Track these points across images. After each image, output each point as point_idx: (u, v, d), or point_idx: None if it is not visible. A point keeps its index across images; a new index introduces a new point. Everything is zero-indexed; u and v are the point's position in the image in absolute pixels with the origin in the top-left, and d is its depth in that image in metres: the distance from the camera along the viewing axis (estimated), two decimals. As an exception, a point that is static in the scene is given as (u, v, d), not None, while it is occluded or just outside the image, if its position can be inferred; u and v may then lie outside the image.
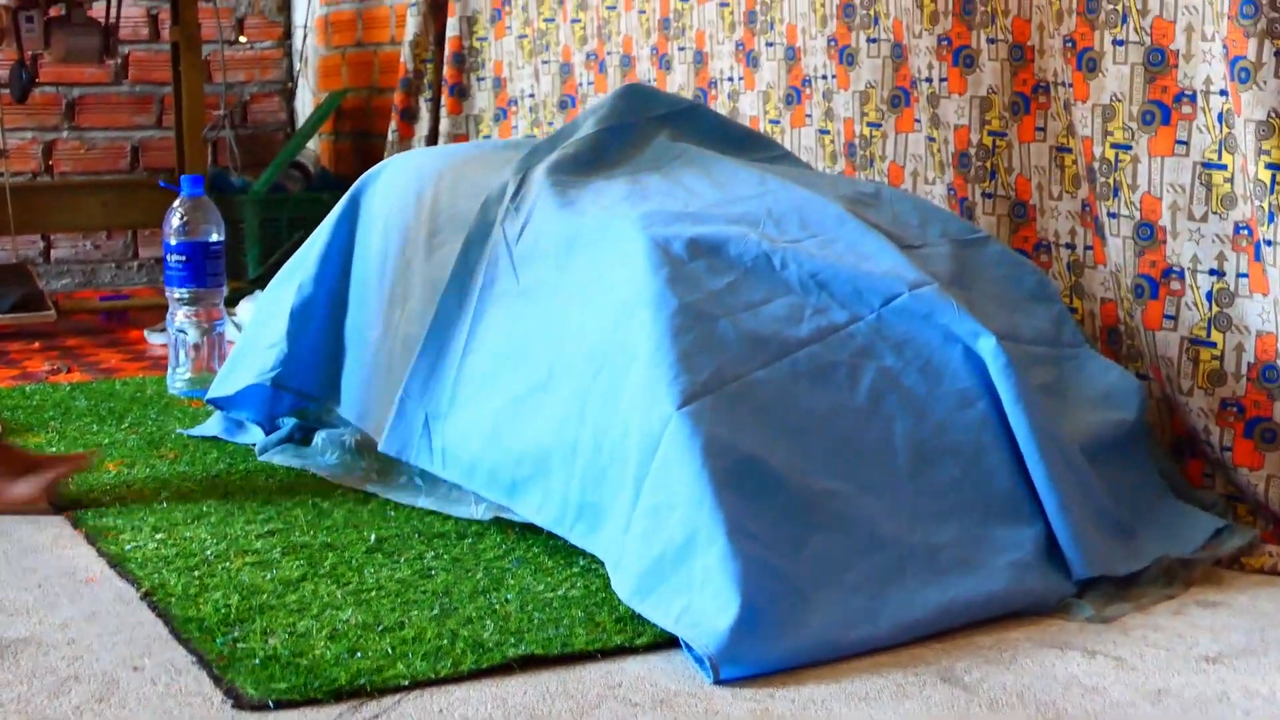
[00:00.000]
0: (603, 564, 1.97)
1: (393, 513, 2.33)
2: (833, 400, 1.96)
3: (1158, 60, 2.28)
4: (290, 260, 2.81)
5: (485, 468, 2.20)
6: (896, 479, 1.94)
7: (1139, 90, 2.30)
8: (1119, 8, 2.31)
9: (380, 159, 4.39)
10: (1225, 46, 2.14)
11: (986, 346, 2.02)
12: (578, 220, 2.19)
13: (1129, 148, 2.32)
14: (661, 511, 1.83)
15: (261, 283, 4.25)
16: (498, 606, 1.91)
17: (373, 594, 1.96)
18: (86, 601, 1.95)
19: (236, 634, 1.81)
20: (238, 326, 3.48)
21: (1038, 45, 2.50)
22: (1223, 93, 2.21)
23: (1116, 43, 2.32)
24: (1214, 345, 2.26)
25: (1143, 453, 2.23)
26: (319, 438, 2.63)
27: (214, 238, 3.23)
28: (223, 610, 1.88)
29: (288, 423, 2.72)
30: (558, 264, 2.18)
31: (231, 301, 3.55)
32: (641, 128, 2.48)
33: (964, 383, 2.02)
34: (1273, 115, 2.10)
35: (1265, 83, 2.10)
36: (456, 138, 4.00)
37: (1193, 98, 2.25)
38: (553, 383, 2.09)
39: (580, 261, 2.14)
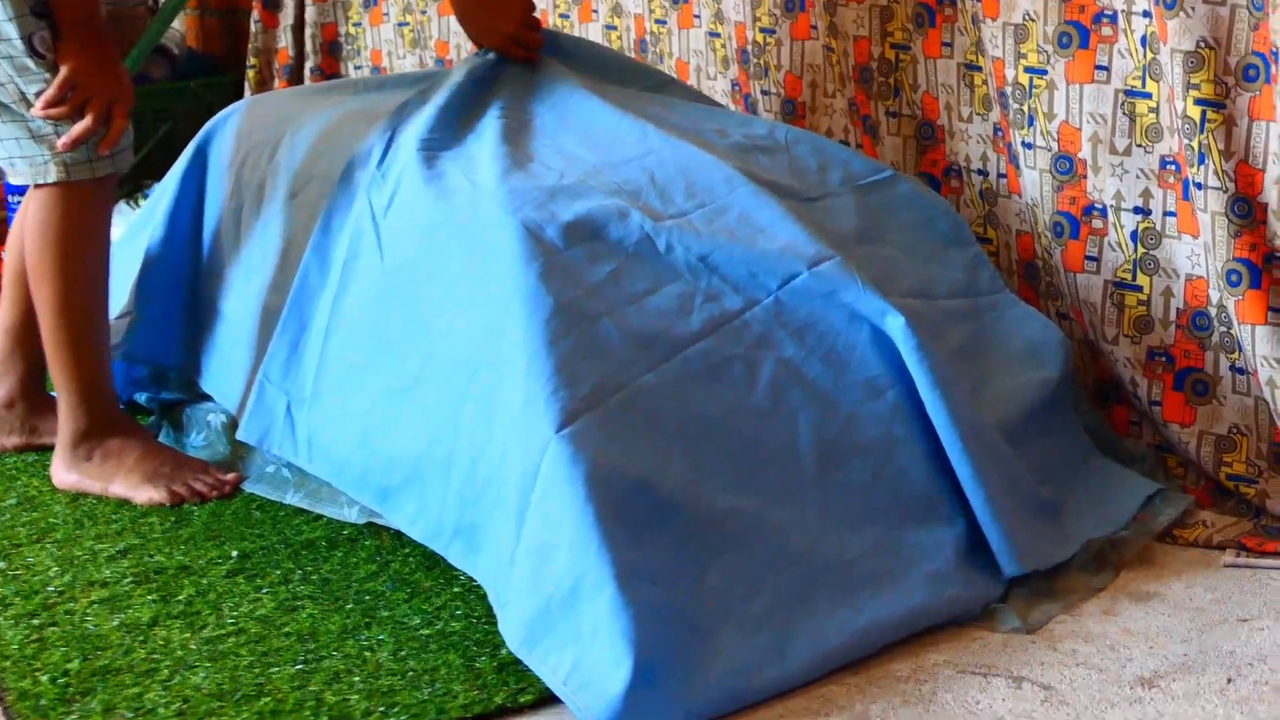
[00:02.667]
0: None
1: (258, 513, 2.13)
2: (729, 401, 1.77)
3: (1074, -25, 2.06)
4: (139, 213, 2.56)
5: (355, 469, 2.00)
6: (803, 486, 1.76)
7: (1054, 9, 2.08)
8: (1030, -85, 2.08)
9: (269, 34, 4.09)
10: (1148, -35, 1.92)
11: (895, 325, 1.84)
12: (446, 199, 1.95)
13: (1044, 72, 2.11)
14: (546, 551, 1.65)
15: (128, 185, 3.98)
16: (368, 654, 1.73)
17: (230, 641, 1.77)
18: (-88, 669, 1.76)
19: (75, 717, 1.62)
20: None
21: (941, -50, 2.27)
22: (1145, 13, 1.99)
23: (1028, -46, 2.09)
24: (1140, 289, 2.08)
25: (1068, 411, 2.07)
26: (186, 415, 2.41)
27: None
28: (61, 681, 1.69)
29: (157, 398, 2.49)
30: (425, 248, 1.96)
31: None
32: (514, 65, 2.23)
33: (872, 370, 1.84)
34: (1202, 45, 1.89)
35: (1194, 9, 1.89)
36: (324, 27, 3.70)
37: (1113, 18, 2.03)
38: (423, 385, 1.89)
39: (450, 248, 1.91)
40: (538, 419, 1.69)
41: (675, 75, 2.79)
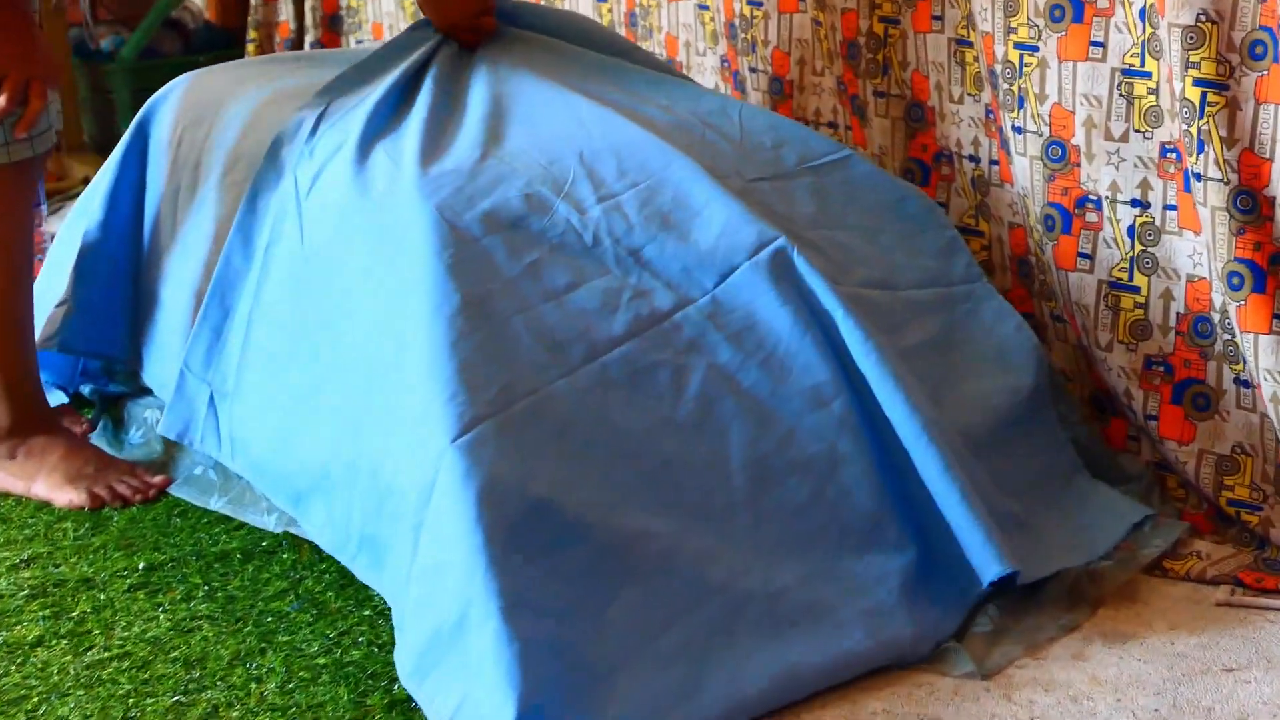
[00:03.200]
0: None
1: (178, 520, 1.99)
2: (651, 413, 1.60)
3: (1067, -59, 1.86)
4: (82, 195, 2.43)
5: (272, 470, 1.86)
6: (730, 507, 1.59)
7: (1046, -22, 1.88)
8: (1020, -125, 1.88)
9: (270, 7, 3.95)
10: (1145, -71, 1.72)
11: (840, 317, 1.66)
12: (364, 178, 1.80)
13: (1035, 49, 1.91)
14: (436, 575, 1.49)
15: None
16: (254, 685, 1.58)
17: (112, 666, 1.63)
18: None
19: (-78, 750, 1.49)
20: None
21: (931, -85, 2.07)
22: (1145, -17, 1.79)
23: (1018, -81, 1.89)
24: (1137, 290, 1.88)
25: (1049, 422, 1.87)
26: (126, 410, 2.28)
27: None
28: (-82, 709, 1.56)
29: (101, 392, 2.35)
30: (340, 232, 1.80)
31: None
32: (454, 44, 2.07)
33: (818, 376, 1.66)
34: (1203, 19, 1.69)
35: (1193, -22, 1.68)
36: (325, 0, 3.55)
37: (1110, -12, 1.83)
38: (330, 384, 1.74)
39: (364, 233, 1.76)
40: (434, 425, 1.54)
41: (665, 51, 2.62)
